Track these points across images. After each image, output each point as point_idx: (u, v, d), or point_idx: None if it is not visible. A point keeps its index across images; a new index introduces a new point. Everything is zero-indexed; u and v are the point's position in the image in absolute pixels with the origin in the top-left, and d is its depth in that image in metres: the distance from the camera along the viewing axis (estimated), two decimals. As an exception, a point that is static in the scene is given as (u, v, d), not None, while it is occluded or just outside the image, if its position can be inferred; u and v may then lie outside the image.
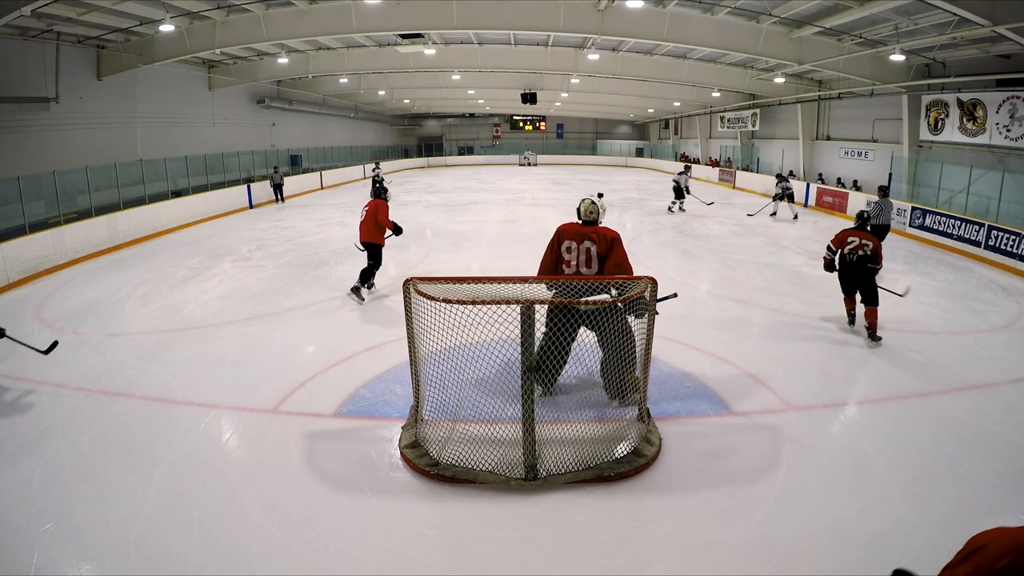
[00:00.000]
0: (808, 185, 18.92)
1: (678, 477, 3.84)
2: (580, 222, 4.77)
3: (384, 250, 8.07)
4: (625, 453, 3.97)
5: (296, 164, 24.67)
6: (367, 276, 7.79)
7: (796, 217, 15.49)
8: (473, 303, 3.57)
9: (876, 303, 6.35)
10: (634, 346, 4.17)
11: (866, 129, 18.96)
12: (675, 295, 5.34)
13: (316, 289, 8.45)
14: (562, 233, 4.71)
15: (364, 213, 7.75)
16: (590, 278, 4.30)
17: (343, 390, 5.05)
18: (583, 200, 4.84)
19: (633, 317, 4.23)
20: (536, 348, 3.84)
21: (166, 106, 17.72)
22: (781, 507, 3.54)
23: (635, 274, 4.40)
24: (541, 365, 4.25)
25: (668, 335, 6.15)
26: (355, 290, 7.67)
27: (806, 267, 9.43)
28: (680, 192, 16.33)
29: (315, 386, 5.19)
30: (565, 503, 3.59)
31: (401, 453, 4.05)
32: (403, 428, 4.33)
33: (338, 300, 7.91)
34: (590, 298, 4.17)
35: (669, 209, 16.46)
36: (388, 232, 7.85)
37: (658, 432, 4.27)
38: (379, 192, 8.02)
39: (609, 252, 4.58)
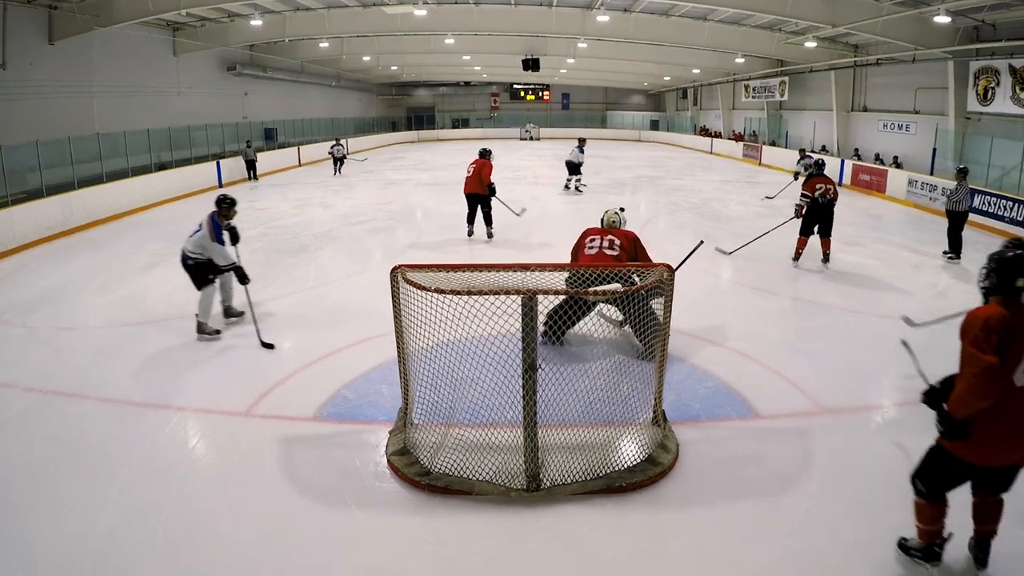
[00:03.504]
0: (843, 162, 18.82)
1: (697, 488, 3.83)
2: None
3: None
4: (638, 461, 3.96)
5: (271, 138, 24.57)
6: (489, 220, 10.48)
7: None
8: (468, 293, 3.54)
9: (831, 235, 8.83)
10: (659, 324, 4.29)
11: (907, 99, 18.85)
12: (701, 243, 6.52)
13: (294, 278, 8.42)
14: (586, 233, 5.89)
15: (471, 170, 10.23)
16: (610, 264, 4.87)
17: (323, 390, 5.03)
18: (606, 211, 6.12)
19: (655, 303, 4.42)
20: (552, 307, 4.76)
21: (126, 74, 17.59)
22: (812, 521, 3.53)
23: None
24: (552, 319, 5.05)
25: (686, 329, 6.13)
26: (490, 235, 10.50)
27: (840, 252, 9.40)
28: (575, 168, 16.43)
29: (292, 386, 5.17)
30: (571, 516, 3.58)
31: (388, 461, 4.04)
32: (390, 433, 4.31)
33: (319, 290, 7.89)
34: (598, 288, 4.17)
35: (566, 187, 16.59)
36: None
37: (675, 437, 4.25)
38: (485, 153, 10.50)
39: (635, 251, 5.68)
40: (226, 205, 6.33)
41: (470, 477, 3.79)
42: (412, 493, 3.78)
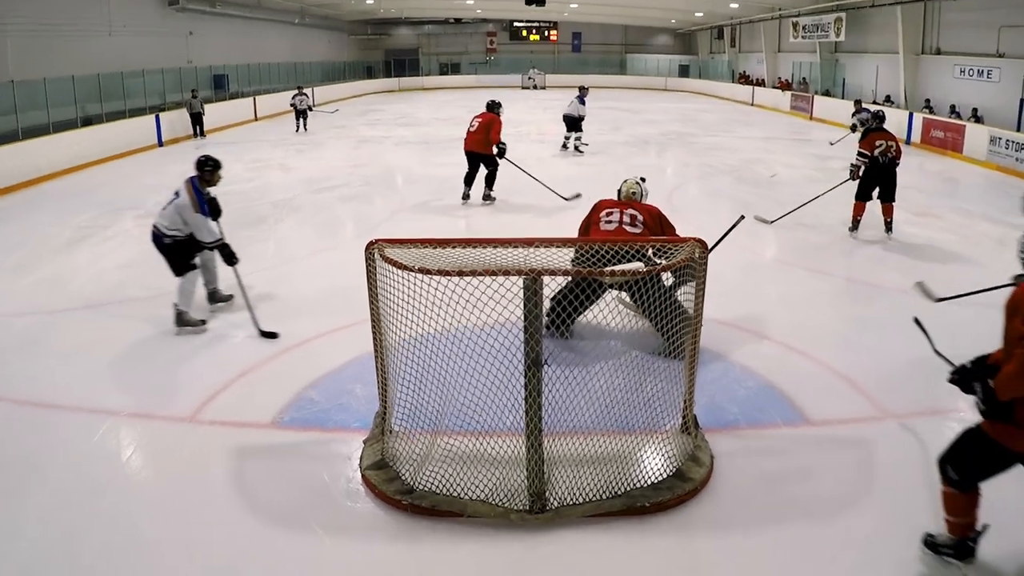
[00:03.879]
0: (911, 115, 18.72)
1: (736, 508, 3.80)
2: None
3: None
4: (664, 476, 3.93)
5: (221, 87, 24.46)
6: (490, 181, 10.88)
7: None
8: (460, 274, 3.50)
9: (894, 199, 8.85)
10: (683, 312, 4.32)
11: (989, 40, 18.68)
12: (742, 218, 6.57)
13: (249, 255, 8.30)
14: (600, 205, 5.91)
15: (476, 124, 10.62)
16: (631, 238, 4.95)
17: (285, 391, 5.01)
18: (625, 181, 6.12)
19: (681, 292, 4.40)
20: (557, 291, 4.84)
21: (46, 9, 17.45)
22: (875, 548, 3.50)
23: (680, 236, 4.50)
24: (558, 305, 5.06)
25: (723, 317, 6.10)
26: (487, 197, 10.94)
27: (908, 225, 9.36)
28: (575, 123, 16.14)
29: (247, 385, 5.16)
30: (583, 543, 3.55)
31: (363, 476, 4.01)
32: (365, 443, 4.29)
33: (279, 269, 7.85)
34: (618, 267, 4.12)
35: (563, 146, 16.40)
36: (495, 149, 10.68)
37: (709, 448, 4.23)
38: (493, 106, 10.93)
39: (660, 229, 5.67)
40: (209, 168, 6.21)
41: (462, 496, 3.76)
42: (392, 515, 3.75)
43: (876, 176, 8.74)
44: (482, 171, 10.78)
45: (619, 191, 6.10)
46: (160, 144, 17.95)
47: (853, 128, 16.12)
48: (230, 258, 6.15)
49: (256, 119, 24.00)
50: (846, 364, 5.45)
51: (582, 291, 4.84)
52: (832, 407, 4.84)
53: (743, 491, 3.94)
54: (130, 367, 5.51)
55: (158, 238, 6.07)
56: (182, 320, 6.05)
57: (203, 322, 6.18)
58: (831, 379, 5.24)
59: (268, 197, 11.66)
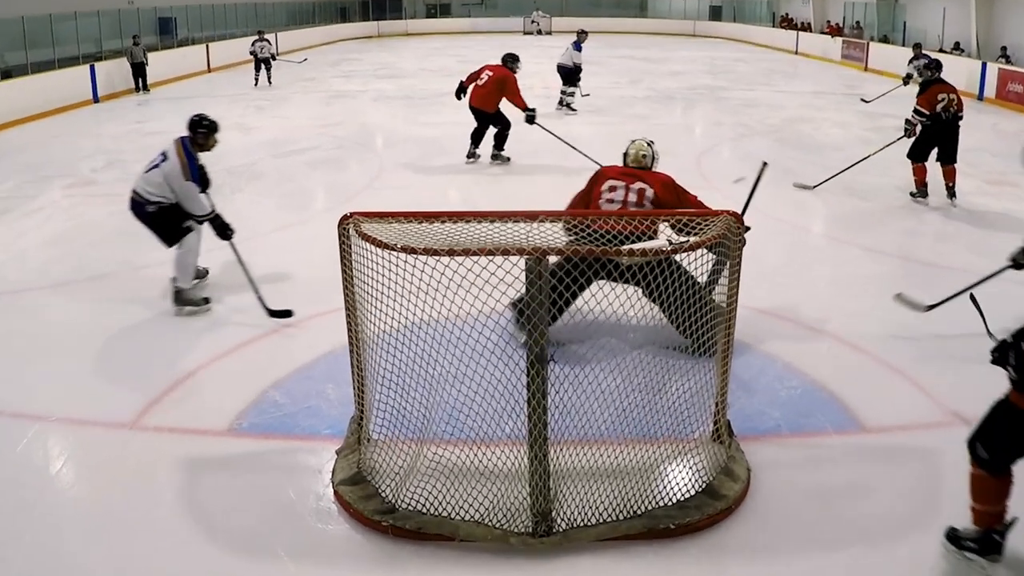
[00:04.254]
0: (984, 66, 18.64)
1: (777, 530, 3.79)
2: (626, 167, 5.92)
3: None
4: (692, 493, 3.93)
5: (168, 33, 24.39)
6: (500, 142, 11.27)
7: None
8: (451, 254, 3.47)
9: (956, 160, 8.97)
10: (710, 302, 4.36)
11: (1079, -25, 18.59)
12: (765, 165, 6.28)
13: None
14: (603, 174, 5.80)
15: (485, 78, 10.90)
16: (642, 213, 4.96)
17: (243, 391, 5.00)
18: (633, 142, 6.00)
19: (715, 288, 4.42)
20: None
21: (-43, -63, 17.31)
22: (941, 578, 3.50)
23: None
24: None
25: (761, 305, 6.11)
26: (496, 156, 11.38)
27: (982, 195, 9.34)
28: (570, 75, 16.14)
29: (199, 385, 5.15)
30: (596, 572, 3.54)
31: (336, 492, 4.01)
32: (339, 453, 4.28)
33: (238, 248, 7.81)
34: (637, 246, 4.09)
35: (560, 103, 16.39)
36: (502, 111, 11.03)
37: (745, 460, 4.22)
38: (509, 60, 11.19)
39: (679, 200, 5.54)
40: (204, 130, 6.22)
41: (452, 516, 3.75)
42: (370, 538, 3.73)
43: (936, 135, 8.83)
44: (491, 130, 11.20)
45: (626, 154, 5.99)
46: (96, 100, 17.91)
47: (906, 79, 16.01)
48: (223, 230, 6.21)
49: (209, 70, 23.94)
50: (907, 360, 5.44)
51: (575, 276, 4.64)
52: (891, 411, 4.84)
53: (786, 510, 3.93)
54: (60, 363, 5.47)
55: (139, 206, 6.09)
56: (182, 299, 6.08)
57: (207, 301, 6.23)
58: (890, 378, 5.24)
59: (223, 162, 11.50)
